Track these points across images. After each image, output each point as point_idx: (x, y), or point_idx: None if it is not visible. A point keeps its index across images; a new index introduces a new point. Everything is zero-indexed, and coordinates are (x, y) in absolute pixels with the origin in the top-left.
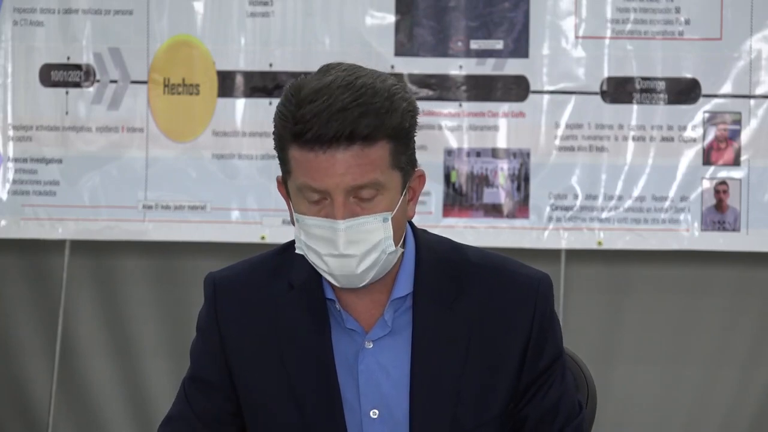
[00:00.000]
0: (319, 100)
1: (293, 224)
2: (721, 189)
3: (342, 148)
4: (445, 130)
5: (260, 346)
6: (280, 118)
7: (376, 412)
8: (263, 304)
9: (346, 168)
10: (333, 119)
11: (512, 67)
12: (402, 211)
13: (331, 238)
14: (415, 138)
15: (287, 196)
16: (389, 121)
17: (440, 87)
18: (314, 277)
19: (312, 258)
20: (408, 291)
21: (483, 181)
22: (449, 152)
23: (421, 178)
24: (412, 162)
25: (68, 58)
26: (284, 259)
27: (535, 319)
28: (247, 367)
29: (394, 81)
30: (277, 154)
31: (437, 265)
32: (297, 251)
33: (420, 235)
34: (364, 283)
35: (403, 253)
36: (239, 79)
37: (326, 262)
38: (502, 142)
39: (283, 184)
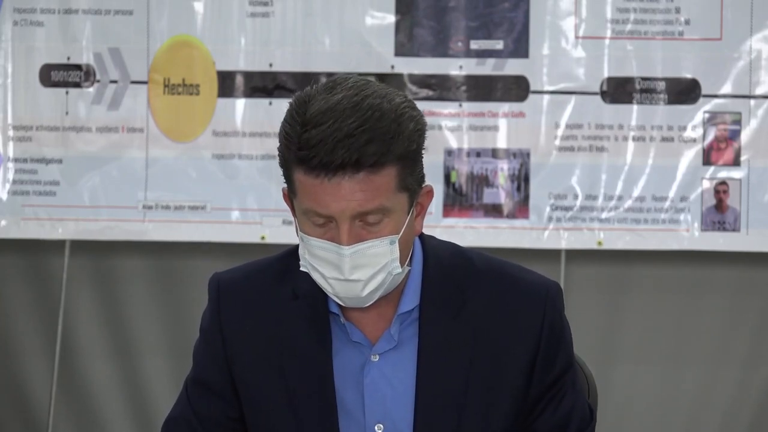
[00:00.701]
0: (325, 124)
1: (297, 235)
2: (721, 189)
3: (348, 175)
4: (445, 130)
5: (261, 352)
6: (285, 138)
7: (381, 426)
8: (267, 310)
9: (351, 194)
10: (339, 146)
11: (512, 67)
12: (409, 229)
13: (336, 262)
14: (424, 154)
15: (293, 209)
16: (396, 146)
17: (440, 87)
18: (318, 287)
19: (316, 278)
20: (415, 305)
21: (483, 181)
22: (449, 152)
23: (429, 193)
24: (420, 180)
25: (68, 59)
26: (290, 264)
27: (544, 328)
28: (247, 372)
29: (402, 99)
30: (282, 171)
31: (443, 274)
32: (301, 269)
33: (427, 243)
34: (368, 304)
35: (411, 265)
36: (239, 79)
37: (331, 284)
38: (502, 143)
39: (289, 198)
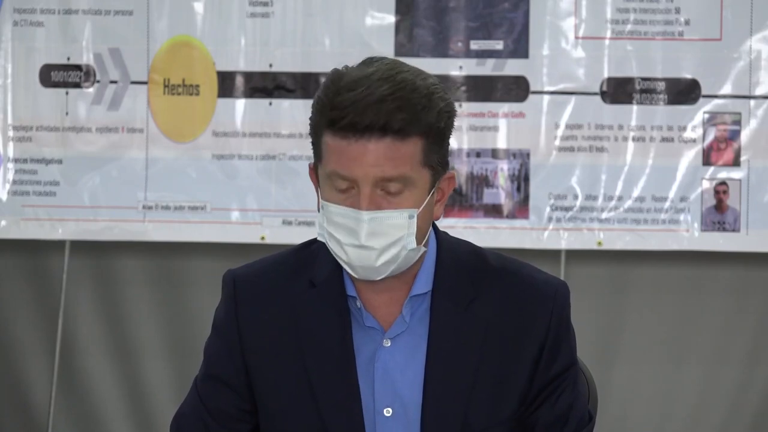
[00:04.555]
0: (357, 89)
1: (319, 212)
2: (720, 189)
3: (375, 138)
4: None
5: (280, 344)
6: (318, 103)
7: (390, 410)
8: (283, 302)
9: (376, 159)
10: (369, 109)
11: (512, 67)
12: (428, 209)
13: (354, 228)
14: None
15: (317, 183)
16: (424, 117)
17: None
18: (335, 274)
19: (332, 246)
20: (427, 289)
21: (483, 181)
22: (449, 152)
23: (452, 180)
24: (444, 163)
25: (68, 59)
26: (304, 256)
27: (551, 324)
28: (265, 366)
29: (434, 81)
30: (311, 140)
31: (457, 266)
32: (318, 238)
33: (442, 236)
34: (381, 277)
35: (425, 251)
36: (239, 80)
37: (346, 251)
38: (502, 143)
39: (315, 171)
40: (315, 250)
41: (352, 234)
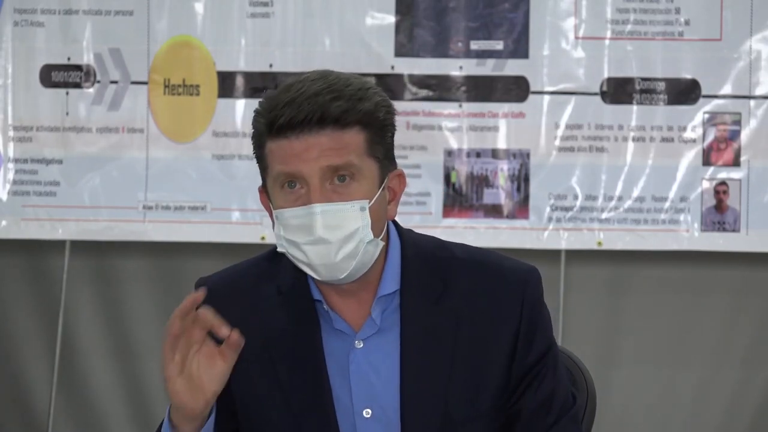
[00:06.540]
0: (291, 90)
1: (273, 229)
2: (720, 189)
3: (315, 131)
4: (445, 131)
5: (251, 350)
6: (256, 116)
7: (369, 411)
8: (253, 309)
9: (319, 151)
10: (305, 103)
11: (512, 67)
12: (381, 204)
13: (308, 224)
14: (394, 140)
15: (268, 202)
16: (361, 106)
17: (440, 88)
18: (301, 280)
19: (292, 251)
20: (395, 288)
21: (483, 181)
22: (449, 153)
23: (401, 177)
24: (390, 158)
25: (69, 59)
26: (273, 264)
27: (524, 311)
28: (238, 371)
29: (372, 83)
30: (257, 160)
31: (423, 262)
32: (279, 249)
33: (405, 233)
34: (345, 275)
35: (387, 250)
36: (239, 80)
37: (305, 251)
38: (502, 143)
39: (264, 188)
40: (282, 257)
41: (308, 231)
